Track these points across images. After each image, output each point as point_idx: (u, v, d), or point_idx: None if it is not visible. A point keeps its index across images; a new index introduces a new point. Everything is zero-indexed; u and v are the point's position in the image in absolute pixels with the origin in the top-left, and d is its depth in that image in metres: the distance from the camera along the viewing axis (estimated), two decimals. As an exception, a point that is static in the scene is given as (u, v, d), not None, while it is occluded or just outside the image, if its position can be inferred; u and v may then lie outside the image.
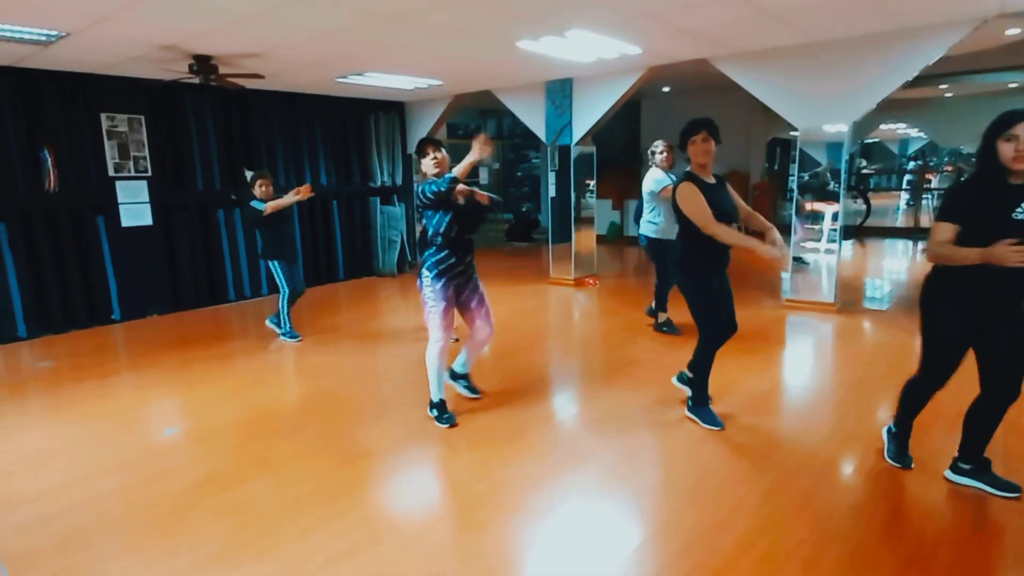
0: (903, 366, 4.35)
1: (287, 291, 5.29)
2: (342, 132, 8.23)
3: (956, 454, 2.72)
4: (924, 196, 13.61)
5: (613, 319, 5.86)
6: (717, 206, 3.13)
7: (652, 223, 5.04)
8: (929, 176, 14.47)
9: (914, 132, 15.73)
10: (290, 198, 5.11)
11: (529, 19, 4.42)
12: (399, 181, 8.91)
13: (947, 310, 2.54)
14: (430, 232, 3.45)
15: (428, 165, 3.43)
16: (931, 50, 4.88)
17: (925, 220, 12.30)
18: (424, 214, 3.47)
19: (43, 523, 2.63)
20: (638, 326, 5.50)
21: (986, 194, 2.33)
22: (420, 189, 3.32)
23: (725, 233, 3.06)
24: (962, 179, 2.49)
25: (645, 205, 5.11)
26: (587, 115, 7.05)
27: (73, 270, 6.05)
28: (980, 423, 2.61)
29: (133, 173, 6.29)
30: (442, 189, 3.21)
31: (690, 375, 3.62)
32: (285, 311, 5.36)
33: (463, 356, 3.89)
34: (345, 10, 4.06)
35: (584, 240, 7.72)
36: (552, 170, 7.58)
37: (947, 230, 2.36)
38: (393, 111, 8.70)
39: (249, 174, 7.18)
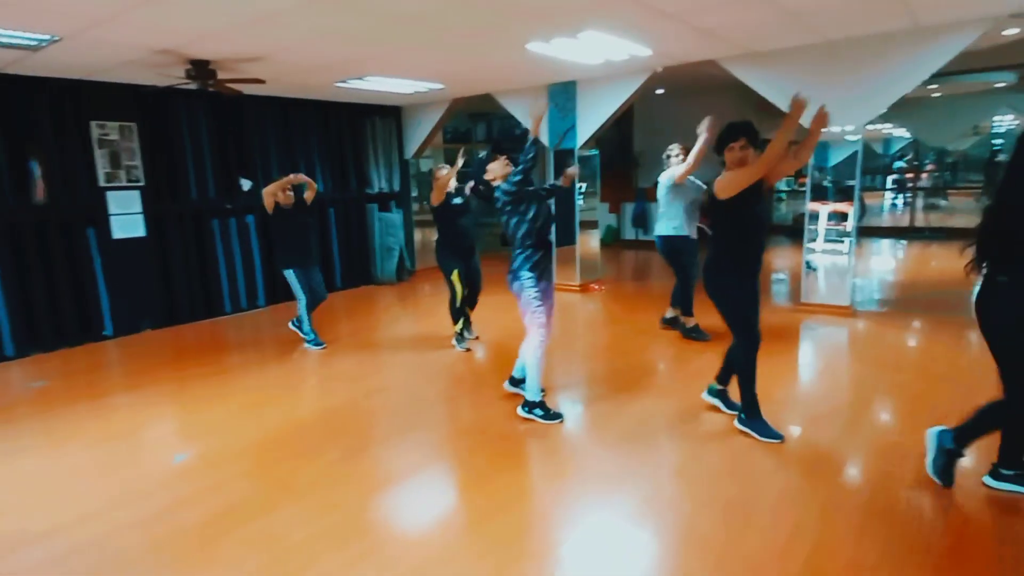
0: (930, 370, 4.31)
1: (303, 299, 5.34)
2: (338, 138, 8.03)
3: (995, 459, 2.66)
4: (912, 195, 13.76)
5: (625, 325, 5.73)
6: (755, 208, 3.07)
7: (670, 222, 4.95)
8: (923, 175, 14.57)
9: (899, 132, 15.89)
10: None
11: (544, 20, 4.30)
12: (396, 187, 8.73)
13: None
14: (509, 232, 3.55)
15: (499, 168, 3.63)
16: (946, 50, 4.84)
17: (920, 220, 12.43)
18: (504, 214, 3.54)
19: (57, 564, 2.43)
20: (652, 332, 5.39)
21: None
22: (500, 189, 3.52)
23: (776, 143, 2.86)
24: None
25: (660, 205, 5.04)
26: (592, 118, 6.93)
27: (63, 285, 5.79)
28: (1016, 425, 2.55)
29: (125, 183, 6.04)
30: (527, 158, 3.39)
31: (720, 387, 3.59)
32: (306, 319, 5.42)
33: (520, 361, 3.85)
34: (357, 12, 3.89)
35: (587, 245, 7.60)
36: (572, 164, 7.44)
37: None
38: (390, 116, 8.52)
39: (246, 183, 7.01)
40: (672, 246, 5.01)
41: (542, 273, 3.54)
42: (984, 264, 2.46)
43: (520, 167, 3.44)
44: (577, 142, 7.12)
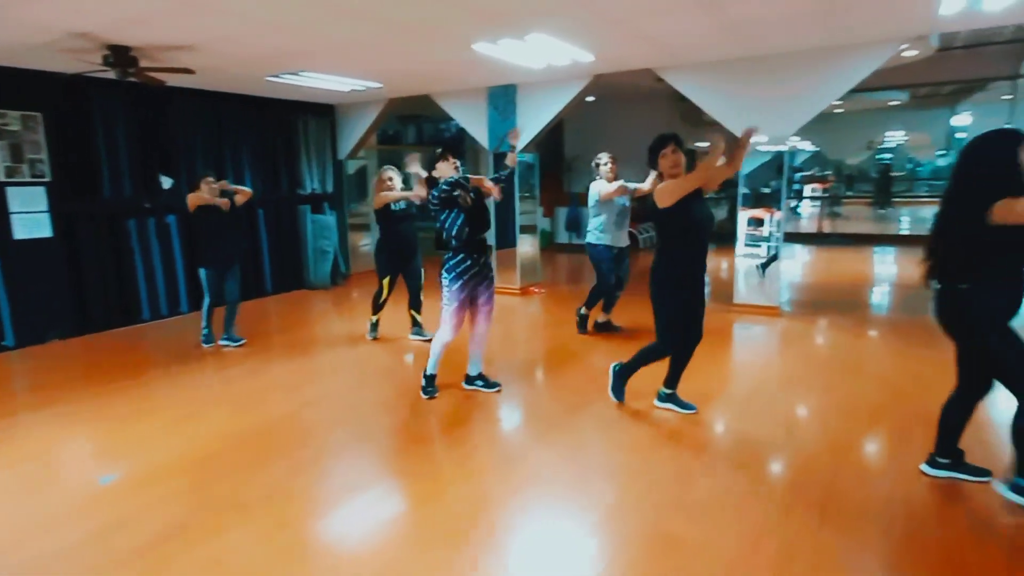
0: (857, 366, 4.59)
1: (207, 300, 5.27)
2: (269, 136, 7.66)
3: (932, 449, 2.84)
4: (821, 205, 14.75)
5: (568, 327, 5.71)
6: (695, 212, 3.28)
7: (594, 231, 5.21)
8: (825, 185, 15.62)
9: (804, 145, 17.00)
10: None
11: (494, 20, 4.27)
12: (330, 188, 8.42)
13: (1000, 315, 2.48)
14: (444, 235, 3.72)
15: (446, 168, 3.72)
16: (864, 66, 5.21)
17: (827, 227, 13.31)
18: (438, 217, 3.72)
19: (-30, 604, 2.15)
20: (596, 334, 5.48)
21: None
22: (431, 193, 3.68)
23: (711, 160, 3.14)
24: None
25: (591, 214, 5.22)
26: (532, 122, 6.96)
27: (-46, 290, 5.20)
28: (957, 417, 2.75)
29: (28, 178, 5.49)
30: (444, 187, 3.60)
31: (668, 391, 3.74)
32: (204, 316, 5.34)
33: (472, 359, 4.07)
34: (297, 1, 3.71)
35: (526, 248, 7.63)
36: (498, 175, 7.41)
37: None
38: (324, 115, 8.22)
39: (166, 180, 6.55)
40: (590, 252, 5.31)
41: (463, 277, 3.72)
42: (941, 273, 2.56)
43: (438, 191, 3.62)
44: (517, 145, 7.12)
